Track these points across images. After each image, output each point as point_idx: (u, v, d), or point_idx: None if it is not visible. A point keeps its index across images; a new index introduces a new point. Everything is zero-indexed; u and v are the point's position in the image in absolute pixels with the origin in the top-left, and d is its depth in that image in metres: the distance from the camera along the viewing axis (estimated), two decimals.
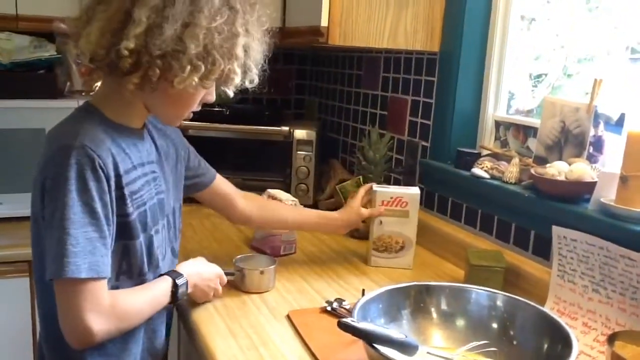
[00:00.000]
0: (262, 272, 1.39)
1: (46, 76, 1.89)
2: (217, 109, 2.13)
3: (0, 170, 1.80)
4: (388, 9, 1.64)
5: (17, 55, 1.85)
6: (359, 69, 2.22)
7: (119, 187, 1.04)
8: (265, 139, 2.07)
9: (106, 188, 1.00)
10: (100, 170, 0.99)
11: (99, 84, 2.15)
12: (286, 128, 2.06)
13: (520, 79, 1.71)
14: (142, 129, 1.15)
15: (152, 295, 1.10)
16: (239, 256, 1.43)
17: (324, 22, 1.59)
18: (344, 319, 0.88)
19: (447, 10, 1.70)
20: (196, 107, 1.13)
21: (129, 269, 1.09)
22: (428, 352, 0.96)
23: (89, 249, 0.96)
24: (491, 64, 1.69)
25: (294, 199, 1.67)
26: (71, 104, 1.81)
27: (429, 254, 1.70)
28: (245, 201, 1.47)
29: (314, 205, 2.10)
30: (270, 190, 1.70)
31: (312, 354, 1.11)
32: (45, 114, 1.80)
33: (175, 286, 1.13)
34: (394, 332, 0.93)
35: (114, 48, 0.98)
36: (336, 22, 1.60)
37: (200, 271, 1.26)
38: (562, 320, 1.01)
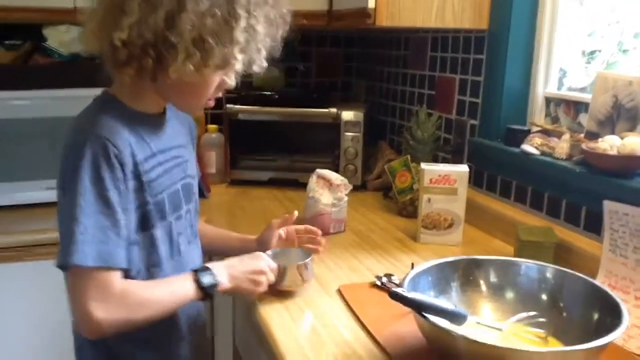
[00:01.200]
0: (294, 267, 1.25)
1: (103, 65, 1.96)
2: (267, 93, 2.18)
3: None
4: None
5: (77, 47, 1.92)
6: (406, 50, 2.22)
7: (137, 176, 1.03)
8: (314, 121, 2.11)
9: (122, 177, 1.00)
10: (115, 160, 0.98)
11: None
12: (334, 110, 2.09)
13: (573, 56, 1.68)
14: (162, 115, 1.15)
15: (171, 289, 1.06)
16: (269, 251, 1.29)
17: (371, 4, 1.61)
18: (395, 289, 0.91)
19: None
20: (215, 94, 1.10)
21: (158, 260, 1.09)
22: (477, 322, 0.98)
23: (100, 238, 0.96)
24: (541, 40, 1.67)
25: (343, 178, 1.70)
26: None
27: (478, 232, 1.70)
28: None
29: (363, 185, 2.14)
30: (319, 170, 1.73)
31: (364, 327, 1.14)
32: None
33: (198, 280, 1.07)
34: (443, 302, 0.95)
35: (110, 40, 0.97)
36: (383, 3, 1.62)
37: (238, 265, 1.17)
38: (613, 293, 1.00)
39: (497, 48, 1.71)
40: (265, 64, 1.07)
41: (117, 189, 0.99)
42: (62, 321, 1.71)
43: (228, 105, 2.11)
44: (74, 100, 1.84)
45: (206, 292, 1.08)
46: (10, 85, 1.78)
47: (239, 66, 1.02)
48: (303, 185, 1.83)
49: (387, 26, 1.67)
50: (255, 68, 1.06)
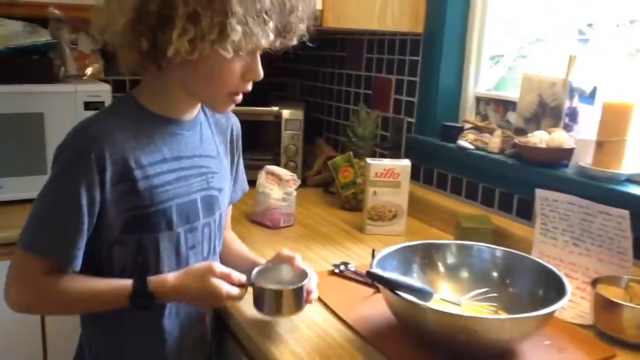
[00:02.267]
0: (287, 293, 1.06)
1: (41, 61, 1.92)
2: None
3: (0, 155, 1.83)
4: None
5: (12, 41, 1.87)
6: (342, 51, 2.32)
7: (128, 179, 1.00)
8: (257, 119, 2.15)
9: (97, 181, 0.97)
10: (93, 163, 0.96)
11: (90, 69, 2.17)
12: (276, 108, 2.15)
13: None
14: (191, 120, 1.10)
15: (99, 293, 1.02)
16: (254, 271, 1.10)
17: (318, 6, 1.68)
18: (373, 270, 0.99)
19: None
20: (241, 87, 1.04)
21: (145, 265, 1.05)
22: (441, 299, 1.09)
23: (48, 232, 0.98)
24: (472, 44, 1.82)
25: (292, 174, 1.77)
26: (67, 88, 1.89)
27: (418, 222, 1.82)
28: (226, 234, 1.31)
29: (303, 182, 2.21)
30: (268, 167, 1.79)
31: (332, 311, 1.21)
32: (41, 98, 1.84)
33: (134, 294, 1.01)
34: (413, 281, 1.05)
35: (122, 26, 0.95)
36: (329, 6, 1.70)
37: (188, 291, 1.04)
38: (555, 269, 1.14)
39: (432, 50, 1.84)
40: (271, 36, 0.97)
41: (87, 192, 0.97)
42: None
43: None
44: (10, 97, 1.81)
45: (136, 306, 1.02)
46: None
47: (236, 37, 0.93)
48: (249, 182, 1.87)
49: (332, 27, 1.75)
50: (263, 42, 0.96)
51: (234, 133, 1.25)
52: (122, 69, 1.02)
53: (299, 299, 1.06)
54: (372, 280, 1.00)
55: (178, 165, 1.07)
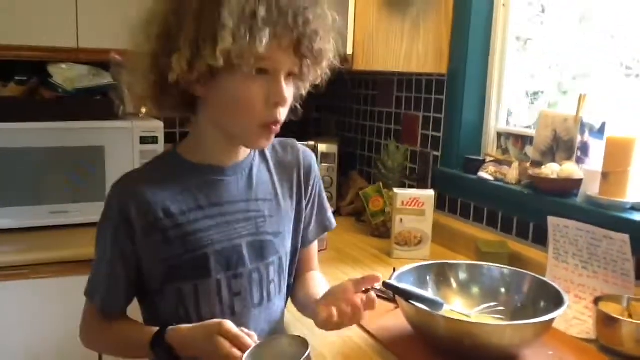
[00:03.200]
0: None
1: (103, 101, 2.15)
2: None
3: (66, 183, 2.05)
4: (403, 38, 1.92)
5: (79, 83, 2.11)
6: (374, 90, 2.49)
7: (157, 229, 1.02)
8: None
9: (125, 232, 1.02)
10: (119, 216, 1.02)
11: (145, 108, 2.42)
12: (312, 143, 2.33)
13: (518, 97, 1.98)
14: (236, 165, 1.09)
15: (127, 338, 1.08)
16: (246, 353, 0.92)
17: (349, 50, 1.87)
18: (388, 280, 1.13)
19: (453, 37, 1.98)
20: (269, 114, 0.99)
21: (187, 315, 1.06)
22: (451, 310, 1.21)
23: (96, 282, 1.08)
24: (492, 83, 1.97)
25: None
26: (125, 125, 2.12)
27: (443, 248, 1.95)
28: (308, 275, 1.27)
29: (337, 211, 2.36)
30: None
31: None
32: (103, 133, 2.07)
33: (153, 342, 1.01)
34: (425, 292, 1.18)
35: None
36: (360, 50, 1.88)
37: (196, 338, 0.99)
38: (555, 284, 1.26)
39: (455, 89, 2.00)
40: (265, 39, 0.91)
41: (120, 243, 1.03)
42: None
43: None
44: (76, 132, 2.05)
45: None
46: (20, 117, 1.95)
47: (225, 45, 0.90)
48: None
49: (362, 70, 1.93)
50: (259, 49, 0.91)
51: (303, 171, 1.18)
52: (158, 113, 1.12)
53: None
54: (387, 288, 1.13)
55: (218, 212, 1.06)
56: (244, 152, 1.10)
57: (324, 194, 1.26)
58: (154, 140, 2.11)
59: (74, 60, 2.15)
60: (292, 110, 1.08)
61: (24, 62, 2.12)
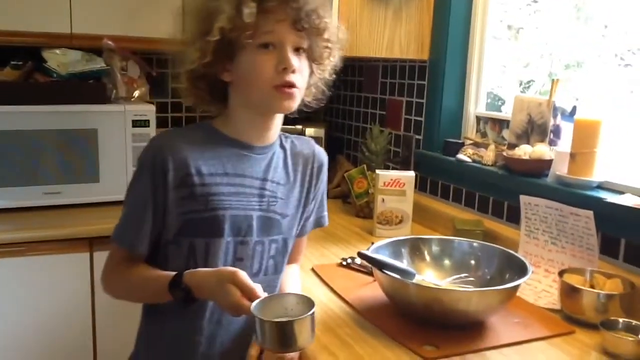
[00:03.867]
0: (295, 324, 0.94)
1: (96, 85, 2.21)
2: None
3: (59, 164, 2.12)
4: (385, 25, 2.00)
5: (72, 68, 2.17)
6: (360, 76, 2.56)
7: (187, 184, 1.11)
8: None
9: (161, 183, 1.10)
10: (158, 167, 1.10)
11: (137, 92, 2.46)
12: (299, 127, 2.40)
13: (510, 86, 2.04)
14: (264, 147, 1.19)
15: (149, 279, 1.14)
16: (255, 302, 0.99)
17: None
18: (363, 251, 1.21)
19: (434, 26, 2.05)
20: (280, 78, 1.09)
21: (195, 268, 1.11)
22: (422, 279, 1.30)
23: (128, 225, 1.15)
24: (472, 69, 2.05)
25: None
26: (117, 108, 2.19)
27: (423, 228, 2.03)
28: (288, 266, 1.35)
29: None
30: None
31: (336, 293, 1.44)
32: (96, 116, 2.14)
33: (173, 293, 1.08)
34: (398, 262, 1.26)
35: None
36: None
37: (210, 284, 1.06)
38: (521, 256, 1.34)
39: (436, 75, 2.07)
40: (249, 10, 1.06)
41: (153, 191, 1.11)
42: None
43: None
44: (69, 115, 2.11)
45: (180, 304, 1.10)
46: (16, 100, 2.01)
47: (221, 23, 1.06)
48: None
49: (347, 56, 1.99)
50: (246, 18, 1.06)
51: (316, 165, 1.30)
52: (195, 104, 1.19)
53: (307, 330, 0.95)
54: (362, 258, 1.22)
55: (239, 182, 1.16)
56: (271, 137, 1.21)
57: (326, 195, 1.39)
58: (145, 123, 2.17)
59: (68, 46, 2.20)
60: (321, 94, 1.26)
61: (19, 47, 2.18)
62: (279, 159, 1.23)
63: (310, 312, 0.95)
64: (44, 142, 2.07)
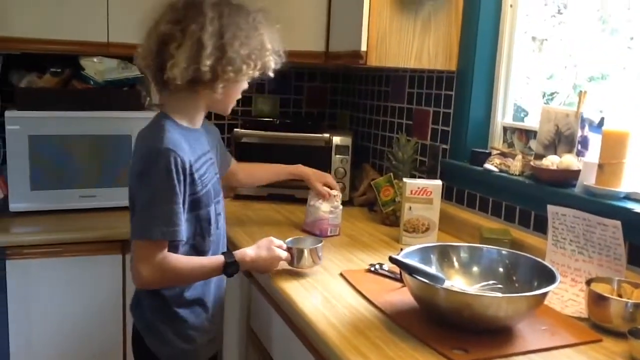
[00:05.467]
0: (312, 250, 1.59)
1: (130, 92, 2.28)
2: (268, 120, 2.52)
3: (95, 169, 2.19)
4: (414, 36, 2.03)
5: (108, 75, 2.24)
6: (387, 86, 2.60)
7: (191, 173, 1.40)
8: (309, 144, 2.45)
9: (182, 178, 1.37)
10: (179, 166, 1.35)
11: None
12: (327, 135, 2.44)
13: (534, 98, 2.06)
14: (200, 128, 1.55)
15: (201, 266, 1.45)
16: (289, 239, 1.64)
17: (363, 47, 1.98)
18: (394, 255, 1.24)
19: (462, 36, 2.08)
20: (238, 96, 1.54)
21: (201, 231, 1.47)
22: (451, 285, 1.32)
23: (165, 220, 1.34)
24: (499, 80, 2.07)
25: (337, 191, 2.04)
26: (151, 115, 2.22)
27: (449, 236, 2.05)
28: (239, 169, 1.98)
29: (350, 201, 2.47)
30: None
31: (364, 297, 1.47)
32: (130, 123, 2.20)
33: (226, 265, 1.46)
34: (428, 268, 1.29)
35: (197, 68, 1.36)
36: (373, 47, 1.99)
37: (259, 258, 1.53)
38: (549, 264, 1.36)
39: (464, 86, 2.10)
40: (283, 58, 1.51)
41: (178, 186, 1.36)
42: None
43: (235, 130, 2.45)
44: (105, 121, 2.18)
45: (228, 274, 1.49)
46: (54, 106, 2.09)
47: (273, 65, 1.49)
48: (298, 200, 2.18)
49: (375, 66, 2.04)
50: (274, 64, 1.50)
51: (218, 135, 1.76)
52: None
53: (318, 256, 1.61)
54: (392, 262, 1.24)
55: (205, 159, 1.51)
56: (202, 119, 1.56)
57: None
58: None
59: (105, 54, 2.28)
60: None
61: (58, 55, 2.25)
62: (202, 132, 1.57)
63: (321, 243, 1.63)
64: (80, 147, 2.14)
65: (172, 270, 1.39)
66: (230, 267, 1.47)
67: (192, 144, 1.45)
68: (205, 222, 1.48)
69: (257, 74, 1.47)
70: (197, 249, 1.48)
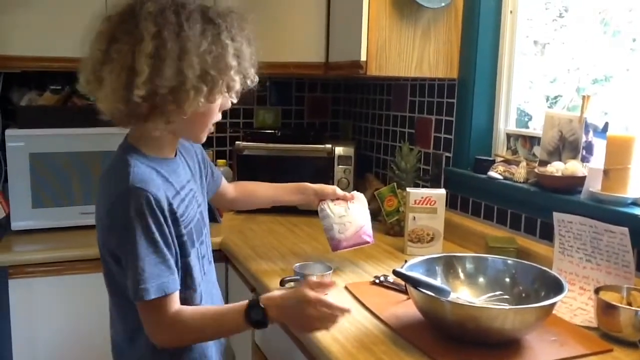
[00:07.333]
0: (320, 277, 1.48)
1: None
2: (269, 132, 2.50)
3: (95, 185, 2.16)
4: (414, 44, 2.02)
5: None
6: (388, 95, 2.58)
7: (172, 213, 1.19)
8: (311, 155, 2.43)
9: (162, 219, 1.15)
10: (156, 207, 1.14)
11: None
12: (329, 146, 2.42)
13: (537, 101, 2.04)
14: (175, 156, 1.32)
15: (220, 322, 1.22)
16: (297, 264, 1.59)
17: (363, 57, 1.96)
18: (398, 269, 1.22)
19: (462, 43, 2.07)
20: (216, 118, 1.28)
21: (192, 282, 1.26)
22: (457, 297, 1.30)
23: (155, 274, 1.14)
24: (501, 87, 2.05)
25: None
26: None
27: (454, 245, 2.03)
28: (233, 190, 1.74)
29: None
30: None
31: (369, 310, 1.45)
32: None
33: (249, 317, 1.19)
34: (432, 280, 1.27)
35: (129, 99, 1.12)
36: (373, 57, 1.97)
37: (291, 310, 1.21)
38: (556, 273, 1.33)
39: (466, 94, 2.08)
40: (256, 79, 1.27)
41: (160, 230, 1.15)
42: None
43: (237, 142, 2.44)
44: (104, 137, 2.16)
45: (255, 326, 1.21)
46: (54, 124, 2.08)
47: (238, 86, 1.22)
48: (301, 212, 2.16)
49: (375, 75, 2.02)
50: (250, 83, 1.25)
51: (199, 152, 1.51)
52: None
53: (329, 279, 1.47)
54: (397, 276, 1.22)
55: (184, 194, 1.28)
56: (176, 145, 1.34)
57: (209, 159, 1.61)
58: None
59: None
60: None
61: (57, 72, 2.25)
62: (182, 160, 1.37)
63: (331, 270, 1.59)
64: (80, 164, 2.13)
65: (188, 328, 1.20)
66: (254, 309, 1.19)
67: (167, 177, 1.24)
68: (195, 269, 1.28)
69: (219, 97, 1.22)
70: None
